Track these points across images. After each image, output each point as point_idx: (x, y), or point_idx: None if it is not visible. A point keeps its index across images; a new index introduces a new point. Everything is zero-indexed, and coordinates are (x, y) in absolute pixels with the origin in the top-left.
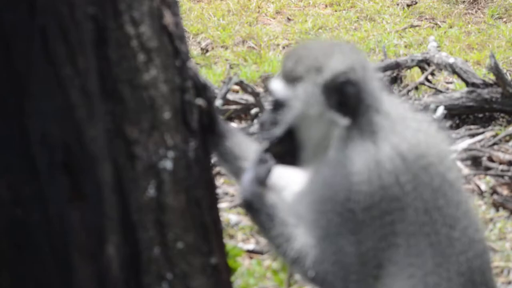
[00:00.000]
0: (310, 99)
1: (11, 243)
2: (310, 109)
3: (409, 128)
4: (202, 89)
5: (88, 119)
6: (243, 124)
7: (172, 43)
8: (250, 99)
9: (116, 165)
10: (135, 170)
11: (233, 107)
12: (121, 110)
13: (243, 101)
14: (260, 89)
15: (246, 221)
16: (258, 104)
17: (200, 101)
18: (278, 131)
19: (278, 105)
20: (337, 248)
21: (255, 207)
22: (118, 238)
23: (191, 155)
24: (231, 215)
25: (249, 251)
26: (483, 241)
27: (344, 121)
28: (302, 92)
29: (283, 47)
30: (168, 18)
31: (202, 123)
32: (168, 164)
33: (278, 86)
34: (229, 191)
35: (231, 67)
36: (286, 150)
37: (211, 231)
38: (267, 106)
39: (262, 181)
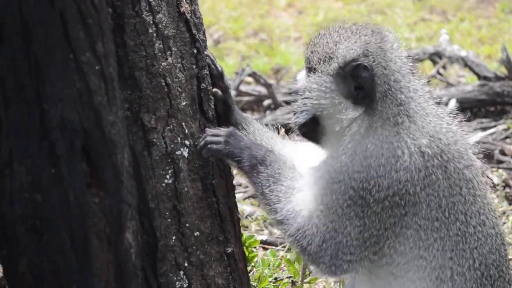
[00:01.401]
0: (320, 90)
1: (30, 228)
2: (323, 99)
3: (430, 123)
4: (219, 77)
5: (107, 105)
6: (256, 115)
7: (189, 30)
8: (263, 90)
9: (133, 152)
10: (152, 157)
11: (246, 98)
12: (138, 97)
13: (255, 93)
14: (272, 81)
15: (259, 212)
16: (271, 95)
17: (216, 89)
18: (300, 118)
19: (300, 94)
20: (339, 227)
21: (255, 171)
22: (136, 225)
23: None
24: (244, 206)
25: (262, 242)
26: (499, 236)
27: (356, 111)
28: (315, 82)
29: (295, 39)
30: (185, 6)
31: (217, 112)
32: (185, 152)
33: (301, 76)
34: (242, 182)
35: (243, 59)
36: (310, 134)
37: (227, 220)
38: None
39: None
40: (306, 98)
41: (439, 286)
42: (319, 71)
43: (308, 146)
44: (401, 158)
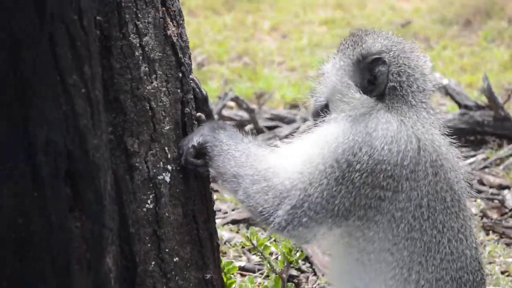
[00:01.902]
0: (340, 70)
1: (12, 251)
2: (338, 82)
3: (432, 130)
4: (203, 102)
5: (92, 128)
6: None
7: (175, 54)
8: (245, 115)
9: (115, 176)
10: (133, 182)
11: (228, 123)
12: (122, 120)
13: (237, 117)
14: (254, 106)
15: (238, 238)
16: (253, 120)
17: (200, 114)
18: (317, 103)
19: (322, 77)
20: (314, 181)
21: (213, 146)
22: (116, 250)
23: (190, 168)
24: (223, 231)
25: (240, 268)
26: (476, 260)
27: (368, 99)
28: (336, 62)
29: (278, 64)
30: (172, 29)
31: None
32: (167, 177)
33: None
34: (221, 207)
35: (226, 83)
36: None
37: (207, 246)
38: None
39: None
40: (326, 79)
41: (404, 286)
42: (342, 53)
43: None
44: (398, 140)
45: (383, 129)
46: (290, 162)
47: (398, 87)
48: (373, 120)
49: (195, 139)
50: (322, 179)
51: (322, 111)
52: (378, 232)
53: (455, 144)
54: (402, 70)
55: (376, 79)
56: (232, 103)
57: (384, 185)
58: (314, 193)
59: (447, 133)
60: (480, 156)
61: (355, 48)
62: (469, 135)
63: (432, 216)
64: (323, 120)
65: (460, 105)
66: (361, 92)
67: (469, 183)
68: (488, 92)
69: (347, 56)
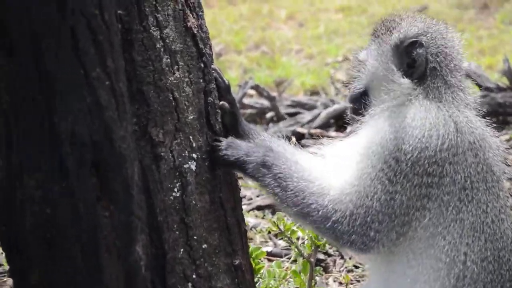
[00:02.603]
0: (381, 57)
1: (41, 241)
2: (379, 64)
3: (467, 107)
4: (226, 91)
5: (117, 120)
6: (259, 128)
7: (196, 45)
8: (266, 103)
9: (141, 166)
10: (160, 171)
11: (249, 111)
12: (146, 111)
13: (258, 105)
14: (274, 93)
15: (264, 224)
16: (274, 108)
17: (223, 102)
18: (355, 90)
19: (360, 65)
20: (370, 191)
21: (268, 165)
22: (146, 238)
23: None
24: (249, 218)
25: (267, 253)
26: None
27: (410, 83)
28: (375, 50)
29: (296, 52)
30: (192, 21)
31: (225, 124)
32: (192, 165)
33: (362, 53)
34: (246, 194)
35: (245, 72)
36: (360, 107)
37: (235, 232)
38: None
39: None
40: (365, 66)
41: (451, 268)
42: (381, 39)
43: (321, 152)
44: (437, 126)
45: (421, 118)
46: (343, 180)
47: (438, 68)
48: (410, 110)
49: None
50: (376, 186)
51: (360, 98)
52: (431, 218)
53: (490, 123)
54: (440, 51)
55: (415, 61)
56: (252, 92)
57: (430, 172)
58: (373, 204)
59: (482, 112)
60: (503, 137)
61: (392, 33)
62: (491, 117)
63: (476, 197)
64: (364, 121)
65: (481, 88)
66: (403, 76)
67: (507, 163)
68: (509, 73)
69: (385, 42)
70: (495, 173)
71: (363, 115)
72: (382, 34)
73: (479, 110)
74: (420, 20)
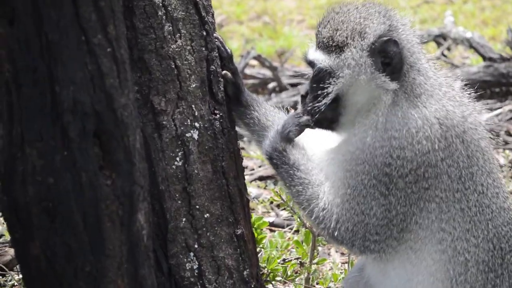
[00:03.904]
0: (359, 64)
1: (43, 211)
2: (360, 75)
3: (446, 95)
4: (228, 60)
5: (118, 87)
6: (261, 98)
7: (198, 13)
8: (268, 73)
9: (143, 135)
10: (162, 140)
11: (251, 81)
12: (147, 80)
13: (260, 76)
14: (276, 64)
15: (266, 194)
16: (276, 78)
17: (226, 72)
18: (324, 101)
19: (322, 75)
20: (365, 208)
21: (275, 162)
22: (147, 207)
23: (217, 125)
24: (251, 188)
25: (270, 224)
26: (510, 211)
27: (392, 85)
28: (350, 58)
29: (298, 22)
30: None
31: (227, 94)
32: (195, 134)
33: (318, 57)
34: (248, 164)
35: (246, 42)
36: (329, 117)
37: (237, 201)
38: (306, 78)
39: (287, 138)
40: (338, 76)
41: (454, 257)
42: (353, 46)
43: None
44: (421, 128)
45: (403, 125)
46: (340, 201)
47: (412, 62)
48: (392, 119)
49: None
50: (370, 202)
51: (331, 106)
52: (431, 217)
53: (475, 96)
54: (411, 43)
55: (392, 59)
56: (254, 62)
57: (426, 176)
58: (370, 220)
59: (463, 84)
60: (506, 108)
61: (361, 37)
62: (494, 87)
63: (471, 182)
64: (344, 128)
65: (484, 58)
66: (382, 76)
67: (492, 135)
68: None
69: (360, 48)
70: (483, 148)
71: (336, 123)
72: (351, 39)
73: (459, 83)
74: (382, 12)
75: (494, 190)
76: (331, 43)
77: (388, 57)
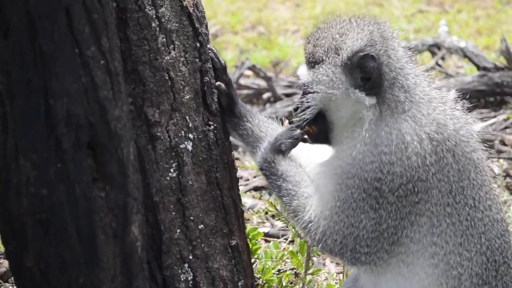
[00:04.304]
0: (331, 81)
1: (36, 222)
2: (333, 91)
3: (435, 109)
4: (222, 71)
5: (112, 99)
6: (256, 108)
7: (192, 24)
8: (262, 83)
9: (137, 147)
10: (156, 151)
11: (245, 91)
12: (141, 91)
13: (255, 86)
14: (271, 74)
15: (261, 204)
16: (270, 88)
17: (220, 83)
18: (307, 114)
19: (304, 90)
20: (355, 221)
21: (264, 173)
22: (141, 219)
23: (211, 136)
24: (246, 198)
25: (265, 234)
26: (504, 221)
27: (370, 100)
28: (323, 75)
29: (293, 32)
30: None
31: (221, 105)
32: (189, 146)
33: (302, 71)
34: (243, 175)
35: (241, 53)
36: (317, 130)
37: (231, 212)
38: (297, 90)
39: (278, 150)
40: (314, 92)
41: (447, 271)
42: (327, 63)
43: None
44: (411, 144)
45: (392, 141)
46: (328, 214)
47: (393, 77)
48: (380, 134)
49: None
50: (359, 216)
51: (316, 120)
52: (422, 231)
53: (469, 105)
54: (392, 57)
55: (371, 75)
56: (249, 72)
57: (416, 190)
58: (360, 233)
59: (454, 96)
60: (501, 117)
61: (337, 53)
62: (489, 97)
63: (462, 196)
64: (333, 141)
65: (478, 67)
66: (361, 92)
67: (484, 146)
68: (507, 53)
69: (334, 64)
70: (475, 161)
71: (322, 138)
72: (327, 55)
73: (449, 94)
74: (358, 28)
75: (486, 203)
76: (311, 59)
77: (367, 73)
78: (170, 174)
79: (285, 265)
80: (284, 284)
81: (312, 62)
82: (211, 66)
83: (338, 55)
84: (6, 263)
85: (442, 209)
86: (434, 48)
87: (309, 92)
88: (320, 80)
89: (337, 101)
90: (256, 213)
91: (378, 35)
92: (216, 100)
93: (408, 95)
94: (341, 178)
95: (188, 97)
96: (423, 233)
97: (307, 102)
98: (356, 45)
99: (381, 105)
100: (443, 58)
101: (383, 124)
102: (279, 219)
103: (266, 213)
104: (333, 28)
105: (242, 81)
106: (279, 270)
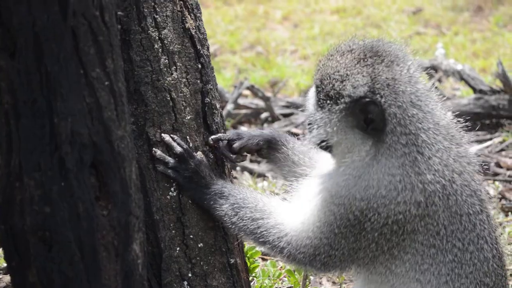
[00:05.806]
0: (330, 124)
1: (40, 239)
2: (332, 133)
3: (437, 152)
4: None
5: (116, 120)
6: (254, 128)
7: (194, 46)
8: (260, 103)
9: (138, 166)
10: (156, 170)
11: (244, 111)
12: (143, 111)
13: (253, 106)
14: (269, 94)
15: None
16: (268, 108)
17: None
18: (313, 139)
19: (311, 120)
20: (334, 244)
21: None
22: (143, 237)
23: (211, 156)
24: None
25: (263, 253)
26: (497, 258)
27: (369, 141)
28: (323, 118)
29: (291, 53)
30: (190, 22)
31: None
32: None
33: (310, 102)
34: None
35: (239, 72)
36: (324, 148)
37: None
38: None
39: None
40: (315, 128)
41: None
42: (327, 108)
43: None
44: (402, 192)
45: (385, 185)
46: (309, 229)
47: (397, 121)
48: (372, 177)
49: None
50: (340, 240)
51: (322, 143)
52: (404, 267)
53: (466, 127)
54: (395, 100)
55: (373, 119)
56: (247, 92)
57: (400, 232)
58: (336, 253)
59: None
60: (496, 140)
61: (338, 101)
62: (485, 119)
63: (450, 239)
64: (330, 167)
65: (475, 90)
66: (362, 132)
67: (480, 171)
68: (503, 76)
69: (333, 111)
70: (470, 204)
71: (327, 146)
72: (327, 99)
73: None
74: (362, 69)
75: (477, 244)
76: (318, 88)
77: (369, 117)
78: (170, 193)
79: (282, 283)
80: None
81: (317, 101)
82: (212, 87)
83: (338, 102)
84: (6, 278)
85: (427, 249)
86: (431, 70)
87: (314, 128)
88: (320, 122)
89: (337, 137)
90: None
91: (383, 78)
92: (216, 120)
93: (411, 138)
94: (326, 202)
95: (189, 117)
96: (406, 269)
97: (312, 129)
98: (357, 93)
99: (379, 147)
100: (440, 81)
101: (379, 165)
102: None
103: None
104: (339, 65)
105: (241, 101)
106: None
